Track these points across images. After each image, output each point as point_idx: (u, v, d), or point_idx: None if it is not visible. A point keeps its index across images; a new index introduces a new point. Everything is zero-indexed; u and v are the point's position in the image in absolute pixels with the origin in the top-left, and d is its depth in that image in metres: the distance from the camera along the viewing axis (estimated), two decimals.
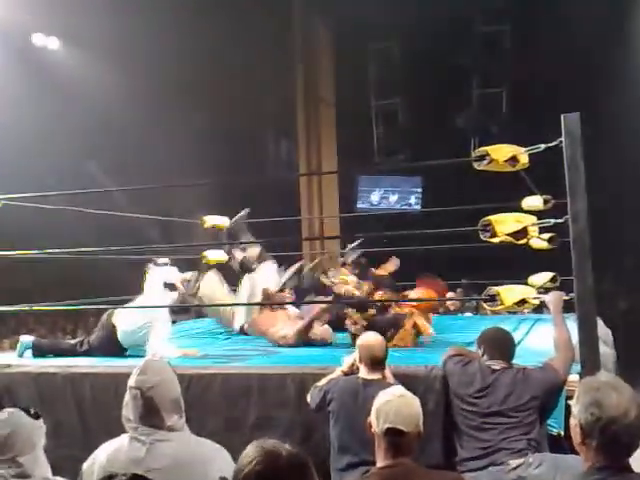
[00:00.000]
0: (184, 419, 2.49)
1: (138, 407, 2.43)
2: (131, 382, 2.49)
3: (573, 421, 2.02)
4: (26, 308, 5.72)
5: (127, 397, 2.49)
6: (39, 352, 5.32)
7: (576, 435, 2.01)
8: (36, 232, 7.28)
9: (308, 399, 3.71)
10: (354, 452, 3.38)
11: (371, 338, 3.69)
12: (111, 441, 2.50)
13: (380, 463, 2.44)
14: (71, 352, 5.26)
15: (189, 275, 5.86)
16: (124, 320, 5.19)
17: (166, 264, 5.63)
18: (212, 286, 6.26)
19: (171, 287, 5.51)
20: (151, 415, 2.41)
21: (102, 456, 2.51)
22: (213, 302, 6.29)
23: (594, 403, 1.95)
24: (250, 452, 1.70)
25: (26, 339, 5.37)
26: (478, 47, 10.88)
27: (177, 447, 2.39)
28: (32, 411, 2.69)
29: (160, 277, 5.49)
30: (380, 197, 12.42)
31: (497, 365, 3.52)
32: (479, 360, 3.62)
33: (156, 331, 5.10)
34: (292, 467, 1.67)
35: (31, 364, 4.83)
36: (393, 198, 12.30)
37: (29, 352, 5.36)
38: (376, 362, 3.60)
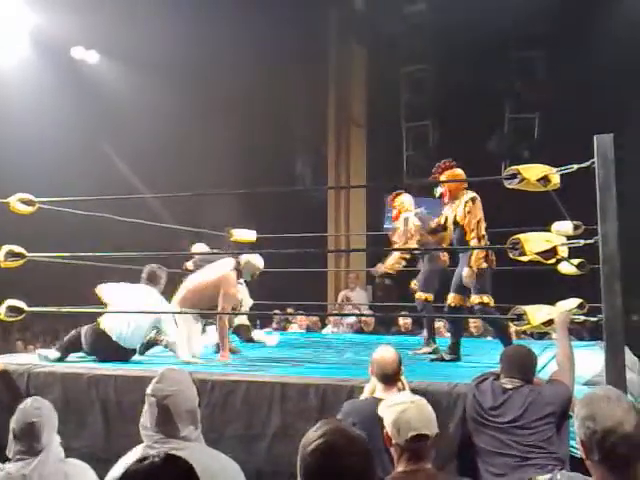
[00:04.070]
0: (199, 430, 2.50)
1: (154, 414, 2.43)
2: (148, 390, 2.51)
3: (577, 438, 1.97)
4: (54, 310, 5.80)
5: (145, 405, 2.51)
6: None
7: (582, 453, 1.96)
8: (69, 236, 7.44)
9: None
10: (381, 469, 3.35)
11: (384, 352, 3.61)
12: (127, 454, 2.50)
13: (401, 468, 2.43)
14: None
15: None
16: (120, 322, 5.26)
17: None
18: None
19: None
20: (166, 423, 2.42)
21: (118, 471, 2.46)
22: None
23: (589, 416, 1.91)
24: (317, 427, 1.72)
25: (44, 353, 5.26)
26: (512, 72, 10.87)
27: (189, 458, 2.37)
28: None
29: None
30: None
31: (510, 384, 3.49)
32: (493, 378, 3.60)
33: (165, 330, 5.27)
34: (357, 448, 1.68)
35: (58, 365, 4.90)
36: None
37: None
38: (388, 378, 3.53)
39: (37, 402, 3.02)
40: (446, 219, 5.40)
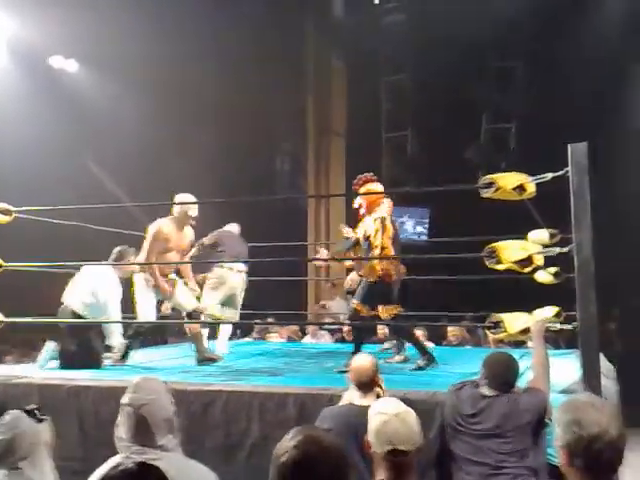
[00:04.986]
0: (177, 439, 2.46)
1: (131, 425, 2.40)
2: (124, 400, 2.47)
3: (557, 443, 1.98)
4: (33, 320, 5.74)
5: (120, 416, 2.47)
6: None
7: (562, 458, 1.97)
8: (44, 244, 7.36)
9: None
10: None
11: (361, 360, 3.63)
12: (103, 465, 2.43)
13: (380, 477, 2.41)
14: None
15: None
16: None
17: None
18: None
19: None
20: (143, 433, 2.38)
21: None
22: None
23: (575, 422, 1.92)
24: (290, 436, 1.70)
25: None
26: (489, 82, 11.00)
27: (165, 468, 2.21)
28: (37, 414, 2.64)
29: None
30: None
31: (489, 391, 3.49)
32: (472, 385, 3.61)
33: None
34: (331, 457, 1.66)
35: (36, 376, 4.85)
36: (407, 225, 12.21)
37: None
38: (364, 385, 3.54)
39: (13, 419, 2.59)
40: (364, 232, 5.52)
